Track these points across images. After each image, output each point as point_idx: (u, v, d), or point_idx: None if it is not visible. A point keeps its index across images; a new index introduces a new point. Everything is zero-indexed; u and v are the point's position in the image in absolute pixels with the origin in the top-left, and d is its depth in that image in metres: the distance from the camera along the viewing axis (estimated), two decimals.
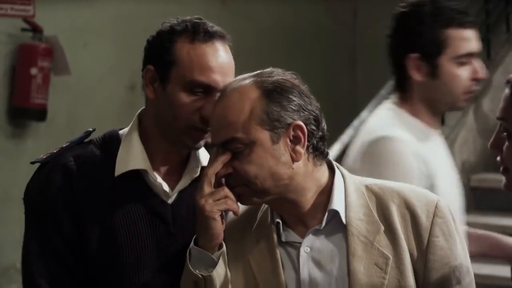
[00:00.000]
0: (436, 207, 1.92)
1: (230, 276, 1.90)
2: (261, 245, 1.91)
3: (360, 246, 1.88)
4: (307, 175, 1.91)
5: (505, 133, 1.77)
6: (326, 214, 1.91)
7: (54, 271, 2.01)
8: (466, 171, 6.21)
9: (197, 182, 2.08)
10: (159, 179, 2.06)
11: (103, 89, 5.61)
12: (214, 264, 1.87)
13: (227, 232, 1.94)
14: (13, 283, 4.82)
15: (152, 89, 2.05)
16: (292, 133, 1.88)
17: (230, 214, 1.98)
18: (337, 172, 1.96)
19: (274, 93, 1.90)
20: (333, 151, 4.90)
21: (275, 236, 1.91)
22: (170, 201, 2.07)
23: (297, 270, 1.88)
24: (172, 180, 2.09)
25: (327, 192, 1.93)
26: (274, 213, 1.93)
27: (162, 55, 2.03)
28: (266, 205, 1.97)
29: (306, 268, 1.88)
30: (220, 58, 2.04)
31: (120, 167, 2.05)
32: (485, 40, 6.80)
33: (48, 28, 5.23)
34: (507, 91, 1.83)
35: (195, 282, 1.88)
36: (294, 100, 1.90)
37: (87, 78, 5.48)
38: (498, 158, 1.80)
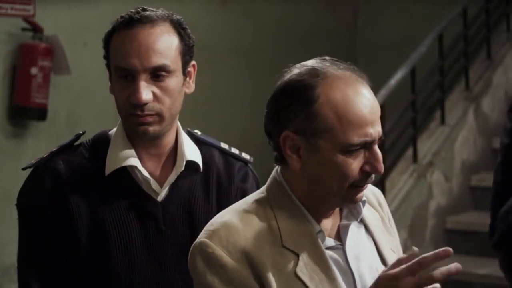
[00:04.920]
0: None
1: None
2: (304, 257, 1.78)
3: (380, 234, 1.91)
4: None
5: None
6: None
7: (49, 275, 2.01)
8: (466, 171, 6.22)
9: (183, 178, 2.09)
10: (148, 175, 2.06)
11: (103, 89, 5.58)
12: None
13: (251, 253, 1.76)
14: (14, 283, 4.82)
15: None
16: None
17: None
18: None
19: None
20: None
21: (321, 245, 1.81)
22: (159, 198, 2.07)
23: (346, 271, 1.82)
24: (161, 178, 2.09)
25: None
26: (314, 223, 1.82)
27: (105, 50, 2.07)
28: (280, 213, 1.81)
29: (355, 267, 1.83)
30: (135, 41, 2.00)
31: (110, 166, 2.06)
32: (485, 39, 6.81)
33: (49, 27, 5.23)
34: None
35: None
36: None
37: (87, 77, 5.48)
38: None
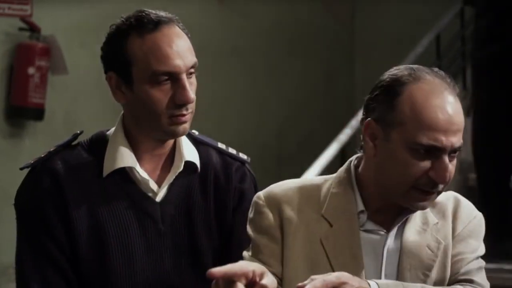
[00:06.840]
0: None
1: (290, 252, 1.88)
2: (336, 229, 1.89)
3: (413, 233, 1.91)
4: None
5: None
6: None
7: (48, 276, 2.02)
8: (463, 171, 6.21)
9: (181, 178, 2.09)
10: (146, 176, 2.07)
11: (101, 89, 5.59)
12: None
13: (286, 209, 1.92)
14: (12, 282, 4.81)
15: (121, 93, 2.06)
16: None
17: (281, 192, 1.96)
18: None
19: None
20: (331, 150, 4.90)
21: (357, 223, 1.89)
22: (158, 199, 2.08)
23: (377, 256, 1.88)
24: (159, 178, 2.10)
25: None
26: (359, 202, 1.91)
27: (118, 59, 2.03)
28: (335, 191, 1.94)
29: (389, 255, 1.89)
30: (172, 42, 2.01)
31: (108, 167, 2.06)
32: None
33: (46, 27, 5.23)
34: None
35: None
36: None
37: (84, 77, 5.48)
38: None
